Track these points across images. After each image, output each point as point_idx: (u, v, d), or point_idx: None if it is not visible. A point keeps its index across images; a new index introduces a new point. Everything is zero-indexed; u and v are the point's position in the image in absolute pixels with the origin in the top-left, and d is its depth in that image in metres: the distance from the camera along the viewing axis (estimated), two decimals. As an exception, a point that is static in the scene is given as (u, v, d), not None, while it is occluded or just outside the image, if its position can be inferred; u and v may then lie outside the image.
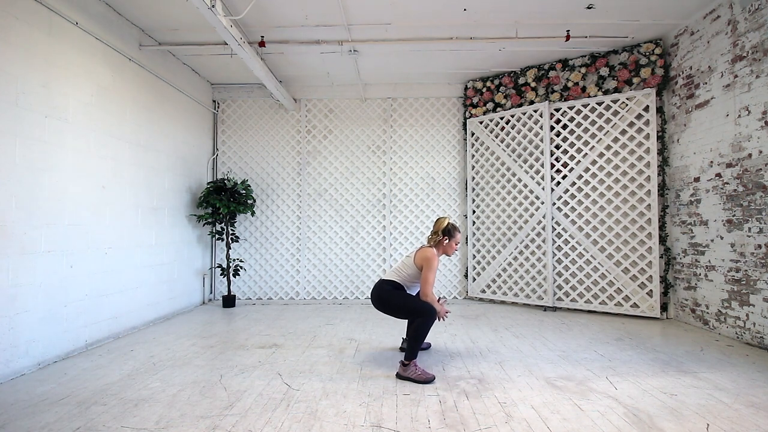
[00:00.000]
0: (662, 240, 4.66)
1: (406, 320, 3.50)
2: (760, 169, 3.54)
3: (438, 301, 3.19)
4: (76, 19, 3.59)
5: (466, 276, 6.04)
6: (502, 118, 5.70)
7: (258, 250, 6.18)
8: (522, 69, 5.53)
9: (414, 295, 3.22)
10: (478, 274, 5.89)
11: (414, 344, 2.90)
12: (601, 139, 4.99)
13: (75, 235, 3.55)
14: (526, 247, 5.45)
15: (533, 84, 5.42)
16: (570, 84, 5.16)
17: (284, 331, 4.25)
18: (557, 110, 5.30)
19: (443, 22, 4.36)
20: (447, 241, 3.21)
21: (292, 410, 2.40)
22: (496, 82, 5.75)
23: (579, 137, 5.16)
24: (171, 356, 3.43)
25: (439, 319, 3.13)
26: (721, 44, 3.96)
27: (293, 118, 6.27)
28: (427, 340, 3.87)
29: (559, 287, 5.23)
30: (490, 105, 5.78)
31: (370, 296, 3.26)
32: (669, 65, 4.70)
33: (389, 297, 3.12)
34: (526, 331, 4.17)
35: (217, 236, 5.94)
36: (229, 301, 5.59)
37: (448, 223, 3.23)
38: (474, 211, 5.97)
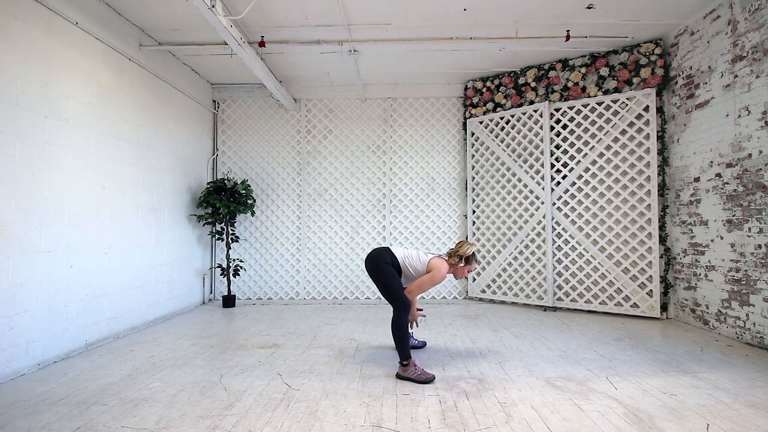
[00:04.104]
0: (662, 240, 4.66)
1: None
2: (760, 169, 3.54)
3: (419, 310, 3.25)
4: (76, 19, 3.59)
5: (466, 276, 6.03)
6: (502, 118, 5.70)
7: (258, 250, 6.18)
8: (522, 69, 5.53)
9: (403, 284, 3.21)
10: (478, 274, 5.88)
11: (400, 342, 2.90)
12: (601, 139, 4.99)
13: (75, 235, 3.55)
14: (526, 247, 5.45)
15: (533, 84, 5.42)
16: (570, 84, 5.16)
17: (284, 331, 4.25)
18: (557, 110, 5.30)
19: (443, 22, 4.36)
20: (462, 265, 3.19)
21: (292, 410, 2.40)
22: (496, 82, 5.75)
23: (579, 137, 5.16)
24: (171, 356, 3.43)
25: (409, 321, 3.18)
26: (721, 44, 3.96)
27: (293, 118, 6.27)
28: (426, 340, 3.88)
29: (559, 287, 5.23)
30: (490, 105, 5.78)
31: (368, 254, 3.26)
32: (669, 65, 4.70)
33: (384, 270, 3.10)
34: (526, 331, 4.17)
35: (217, 236, 5.94)
36: (229, 301, 5.59)
37: (473, 253, 3.21)
38: (474, 211, 5.97)
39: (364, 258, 3.31)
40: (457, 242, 3.32)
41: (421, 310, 3.52)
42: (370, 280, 3.35)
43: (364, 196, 6.18)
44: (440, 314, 5.01)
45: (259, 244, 6.19)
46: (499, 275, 5.70)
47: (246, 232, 6.21)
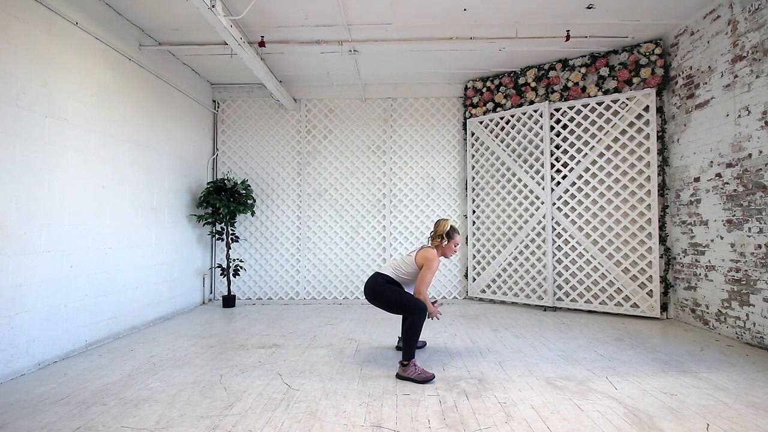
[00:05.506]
0: (662, 240, 4.66)
1: (399, 315, 3.54)
2: (760, 169, 3.54)
3: (434, 303, 3.22)
4: (76, 19, 3.59)
5: (466, 276, 6.04)
6: (502, 118, 5.70)
7: (258, 250, 6.18)
8: (522, 69, 5.53)
9: (408, 291, 3.21)
10: (478, 274, 5.88)
11: (409, 343, 2.90)
12: (601, 139, 4.99)
13: (75, 235, 3.55)
14: (526, 247, 5.45)
15: (533, 84, 5.42)
16: (570, 84, 5.16)
17: (284, 331, 4.25)
18: (557, 110, 5.29)
19: (443, 22, 4.36)
20: (446, 242, 3.22)
21: (292, 410, 2.40)
22: (496, 82, 5.75)
23: (579, 137, 5.16)
24: (171, 356, 3.43)
25: (430, 317, 3.16)
26: (721, 44, 3.96)
27: (293, 118, 6.27)
28: (426, 340, 3.88)
29: (559, 287, 5.23)
30: (490, 105, 5.78)
31: (363, 287, 3.27)
32: (669, 65, 4.70)
33: (383, 291, 3.13)
34: (526, 331, 4.17)
35: (217, 236, 5.94)
36: (229, 301, 5.59)
37: (451, 226, 3.24)
38: (474, 211, 5.96)
39: (363, 289, 3.28)
40: (434, 224, 3.32)
41: (435, 302, 3.43)
42: (368, 278, 3.31)
43: (364, 196, 6.18)
44: (440, 314, 5.00)
45: (259, 244, 6.19)
46: (499, 275, 5.70)
47: (246, 232, 6.21)
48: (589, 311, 5.05)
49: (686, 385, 2.73)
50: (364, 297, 6.02)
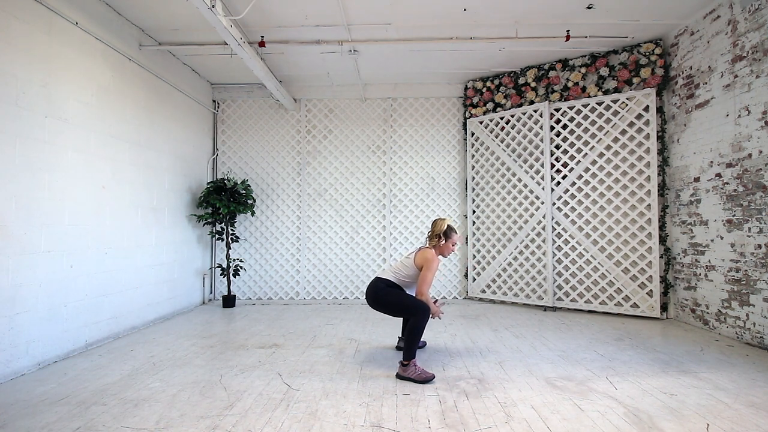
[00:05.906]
0: (662, 240, 4.66)
1: (401, 318, 3.55)
2: (760, 169, 3.54)
3: (435, 302, 3.22)
4: (76, 19, 3.59)
5: (466, 276, 6.04)
6: (502, 118, 5.70)
7: (258, 250, 6.18)
8: (522, 69, 5.53)
9: (409, 293, 3.21)
10: (478, 274, 5.88)
11: (410, 344, 2.90)
12: (601, 139, 4.99)
13: (75, 235, 3.55)
14: (526, 247, 5.45)
15: (533, 84, 5.42)
16: (570, 84, 5.16)
17: (284, 331, 4.25)
18: (557, 110, 5.29)
19: (443, 22, 4.36)
20: (443, 242, 3.21)
21: (292, 410, 2.40)
22: (496, 82, 5.75)
23: (579, 137, 5.16)
24: (171, 356, 3.43)
25: (433, 317, 3.15)
26: (721, 44, 3.96)
27: (293, 118, 6.27)
28: (425, 339, 3.88)
29: (559, 287, 5.23)
30: (490, 105, 5.78)
31: (365, 293, 3.27)
32: (669, 65, 4.70)
33: (384, 295, 3.13)
34: (526, 331, 4.17)
35: (217, 236, 5.94)
36: (229, 301, 5.59)
37: (448, 226, 3.23)
38: (474, 211, 5.96)
39: (365, 295, 3.30)
40: (431, 224, 3.32)
41: (436, 301, 3.39)
42: (369, 284, 3.31)
43: (364, 196, 6.18)
44: (440, 314, 5.01)
45: (259, 244, 6.19)
46: (499, 275, 5.70)
47: (246, 232, 6.21)
48: (589, 311, 5.05)
49: (686, 385, 2.74)
50: (364, 297, 6.04)
